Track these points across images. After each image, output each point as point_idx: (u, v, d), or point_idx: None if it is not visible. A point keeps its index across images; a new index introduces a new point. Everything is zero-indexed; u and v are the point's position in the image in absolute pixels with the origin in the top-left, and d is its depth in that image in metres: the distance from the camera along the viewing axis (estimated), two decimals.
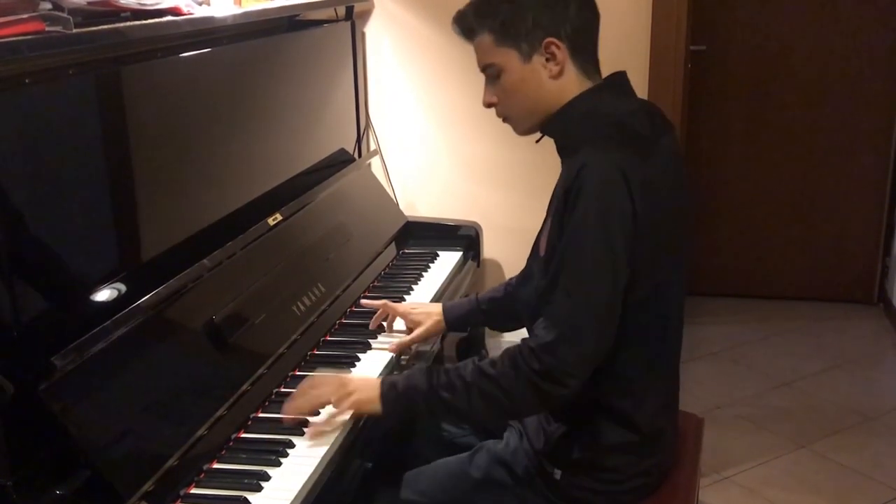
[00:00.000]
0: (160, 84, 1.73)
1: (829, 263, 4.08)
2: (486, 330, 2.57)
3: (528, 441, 1.68)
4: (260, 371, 1.72)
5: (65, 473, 1.30)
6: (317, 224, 2.23)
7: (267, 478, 1.46)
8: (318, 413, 1.61)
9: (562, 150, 1.62)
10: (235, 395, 1.62)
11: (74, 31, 1.41)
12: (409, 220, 2.72)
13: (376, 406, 1.57)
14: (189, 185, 1.82)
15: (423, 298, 2.27)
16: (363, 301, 2.03)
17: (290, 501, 1.41)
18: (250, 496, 1.41)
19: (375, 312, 2.03)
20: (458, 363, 1.58)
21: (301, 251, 2.10)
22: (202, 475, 1.47)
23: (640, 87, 1.68)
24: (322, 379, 1.67)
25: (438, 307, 1.98)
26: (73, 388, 1.34)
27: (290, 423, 1.59)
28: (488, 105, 1.64)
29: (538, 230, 1.71)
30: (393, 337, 2.00)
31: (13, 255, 1.31)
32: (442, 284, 2.38)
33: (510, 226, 2.91)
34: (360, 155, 2.77)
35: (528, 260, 1.74)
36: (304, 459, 1.51)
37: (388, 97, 2.96)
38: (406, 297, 2.27)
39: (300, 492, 1.43)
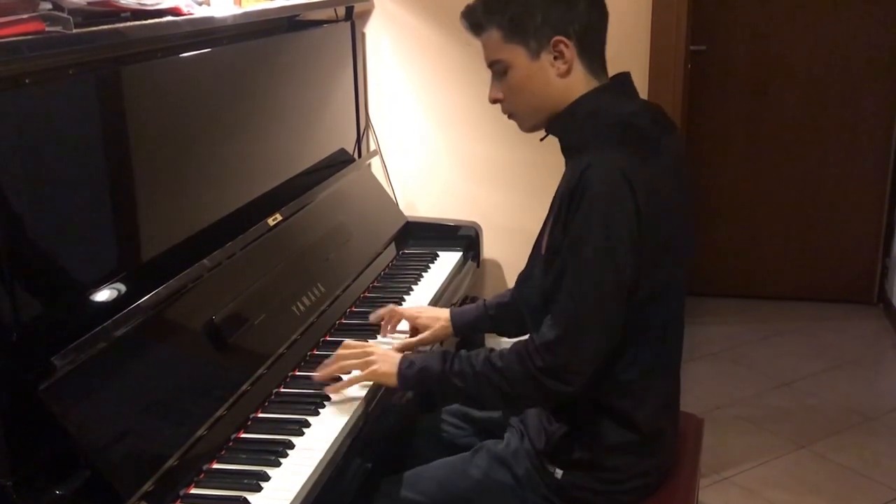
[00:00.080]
0: (160, 84, 1.73)
1: (829, 264, 4.08)
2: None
3: (530, 441, 1.68)
4: (260, 371, 1.72)
5: (65, 473, 1.30)
6: (317, 224, 2.23)
7: (267, 478, 1.46)
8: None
9: (566, 150, 1.62)
10: (235, 396, 1.62)
11: (74, 31, 1.41)
12: (409, 220, 2.72)
13: (393, 380, 1.68)
14: (189, 185, 1.82)
15: (423, 299, 2.27)
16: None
17: (289, 502, 1.41)
18: (250, 496, 1.41)
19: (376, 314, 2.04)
20: (471, 351, 1.63)
21: (301, 251, 2.10)
22: (202, 475, 1.47)
23: (641, 87, 1.68)
24: (349, 344, 1.79)
25: (446, 312, 1.98)
26: (73, 388, 1.34)
27: (319, 379, 1.75)
28: (494, 101, 1.64)
29: (538, 230, 1.71)
30: (395, 338, 2.00)
31: (13, 255, 1.31)
32: (442, 285, 2.38)
33: (510, 226, 2.91)
34: (359, 155, 2.77)
35: (530, 259, 1.74)
36: (303, 459, 1.51)
37: (387, 97, 2.95)
38: (406, 297, 2.27)
39: (300, 492, 1.43)
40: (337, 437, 1.59)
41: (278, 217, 2.05)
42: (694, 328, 3.66)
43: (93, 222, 1.54)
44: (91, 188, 1.54)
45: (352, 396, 1.72)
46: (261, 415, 1.67)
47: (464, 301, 2.51)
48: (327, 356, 1.90)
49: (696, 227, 1.66)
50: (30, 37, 1.32)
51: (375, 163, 2.91)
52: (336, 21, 2.69)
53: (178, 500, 1.40)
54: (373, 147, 2.93)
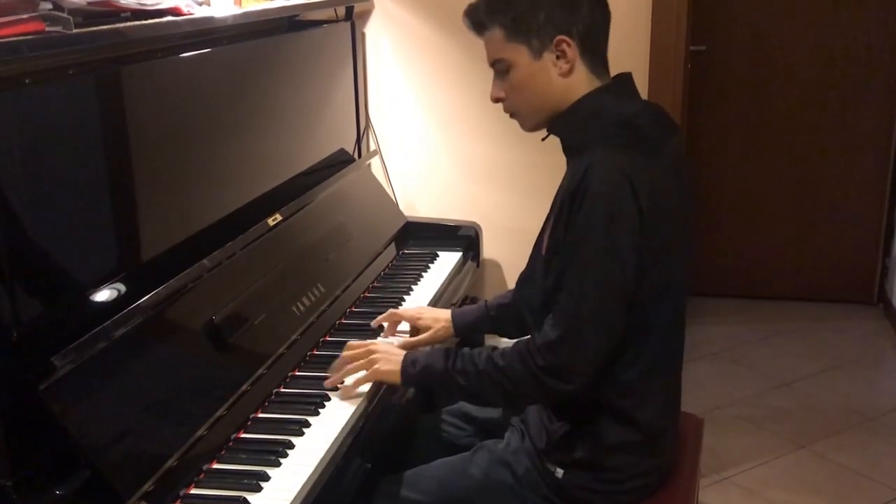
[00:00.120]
0: (160, 84, 1.73)
1: (829, 264, 4.08)
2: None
3: (530, 440, 1.68)
4: (260, 371, 1.72)
5: (65, 473, 1.30)
6: (316, 224, 2.23)
7: (266, 478, 1.46)
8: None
9: (568, 150, 1.62)
10: (235, 396, 1.62)
11: (74, 31, 1.41)
12: (409, 220, 2.72)
13: (396, 377, 1.69)
14: (189, 185, 1.82)
15: (423, 299, 2.26)
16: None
17: (289, 502, 1.41)
18: (250, 496, 1.41)
19: (376, 315, 2.03)
20: (472, 350, 1.63)
21: (301, 251, 2.10)
22: (202, 475, 1.47)
23: (641, 88, 1.68)
24: (353, 345, 1.79)
25: (447, 313, 1.98)
26: (73, 388, 1.34)
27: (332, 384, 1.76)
28: (496, 100, 1.64)
29: (538, 230, 1.71)
30: (396, 338, 1.99)
31: (13, 255, 1.31)
32: (441, 285, 2.38)
33: (510, 226, 2.91)
34: (359, 155, 2.77)
35: (530, 260, 1.74)
36: (303, 459, 1.52)
37: (387, 97, 2.95)
38: (406, 297, 2.27)
39: (300, 492, 1.43)
40: (337, 437, 1.59)
41: (278, 217, 2.05)
42: (694, 328, 3.66)
43: (93, 222, 1.54)
44: (91, 188, 1.54)
45: (352, 396, 1.72)
46: (261, 415, 1.67)
47: (464, 301, 2.51)
48: (327, 356, 1.91)
49: (696, 227, 1.67)
50: (30, 37, 1.32)
51: (375, 163, 2.91)
52: (336, 21, 2.69)
53: (178, 500, 1.40)
54: (373, 147, 2.93)
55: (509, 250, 2.94)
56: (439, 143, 2.96)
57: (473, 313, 1.97)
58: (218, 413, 1.56)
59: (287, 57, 2.27)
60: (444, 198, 2.99)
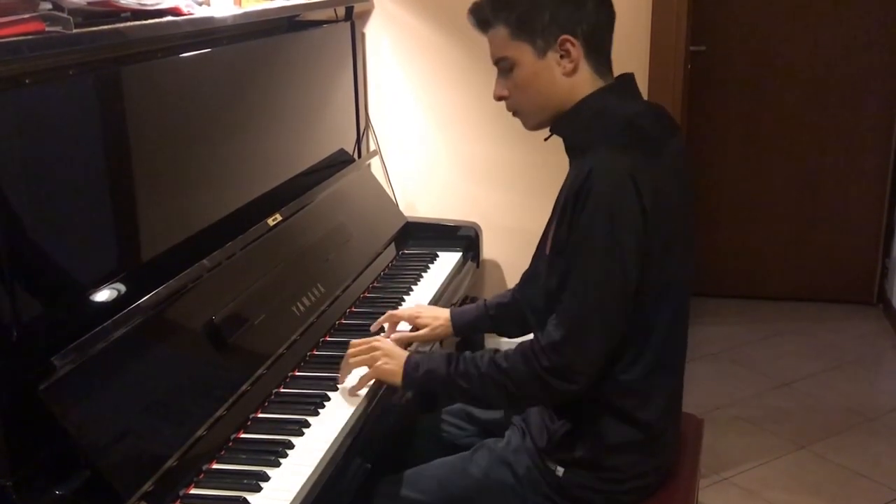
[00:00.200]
0: (160, 84, 1.73)
1: (829, 264, 4.08)
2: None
3: (531, 439, 1.68)
4: (259, 371, 1.72)
5: (65, 473, 1.30)
6: (316, 224, 2.23)
7: (266, 478, 1.46)
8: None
9: (570, 150, 1.62)
10: (235, 396, 1.62)
11: (74, 31, 1.41)
12: (409, 220, 2.72)
13: (397, 378, 1.68)
14: (189, 185, 1.82)
15: (423, 299, 2.26)
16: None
17: (289, 502, 1.41)
18: (250, 496, 1.41)
19: (377, 315, 2.03)
20: (474, 353, 1.63)
21: (301, 252, 2.10)
22: (202, 475, 1.47)
23: (641, 88, 1.68)
24: (355, 343, 1.78)
25: (446, 312, 1.98)
26: (73, 388, 1.34)
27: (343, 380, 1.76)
28: (499, 98, 1.64)
29: (538, 230, 1.71)
30: (397, 333, 1.99)
31: (13, 255, 1.31)
32: (441, 285, 2.38)
33: (510, 226, 2.91)
34: (359, 155, 2.77)
35: (534, 260, 1.74)
36: (303, 459, 1.52)
37: (387, 97, 2.95)
38: (405, 297, 2.27)
39: (299, 492, 1.43)
40: (337, 437, 1.59)
41: (278, 217, 2.05)
42: (694, 328, 3.63)
43: (93, 222, 1.54)
44: (91, 188, 1.54)
45: (352, 396, 1.72)
46: (261, 415, 1.67)
47: (463, 301, 2.51)
48: (327, 356, 1.91)
49: (696, 228, 1.67)
50: (30, 37, 1.32)
51: (375, 163, 2.91)
52: (336, 21, 2.69)
53: (178, 501, 1.40)
54: (373, 147, 2.93)
55: (509, 250, 2.94)
56: (439, 143, 2.96)
57: (472, 312, 1.97)
58: (218, 413, 1.56)
59: (287, 57, 2.27)
60: (444, 198, 2.99)
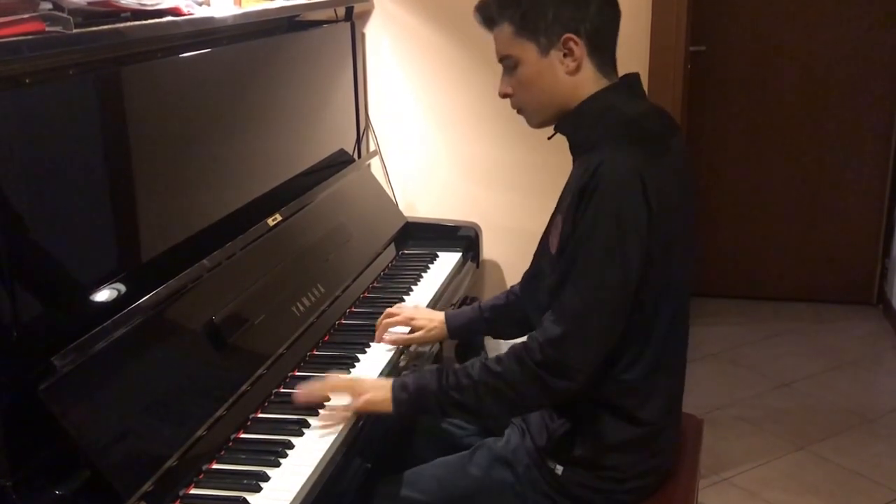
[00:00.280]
0: (160, 84, 1.73)
1: (829, 264, 4.08)
2: None
3: (531, 438, 1.68)
4: (259, 371, 1.72)
5: (64, 473, 1.30)
6: (316, 225, 2.23)
7: (266, 478, 1.46)
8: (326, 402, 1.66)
9: (575, 149, 1.62)
10: (235, 396, 1.62)
11: (74, 31, 1.41)
12: (409, 220, 2.72)
13: (387, 406, 1.61)
14: (189, 185, 1.82)
15: (423, 299, 2.26)
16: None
17: (289, 502, 1.41)
18: (249, 497, 1.41)
19: (376, 315, 2.03)
20: (465, 363, 1.60)
21: (301, 252, 2.10)
22: (201, 476, 1.47)
23: None
24: (335, 379, 1.70)
25: (441, 314, 1.98)
26: (73, 388, 1.34)
27: (300, 401, 1.65)
28: (503, 95, 1.65)
29: (538, 230, 1.71)
30: (392, 335, 1.99)
31: (13, 255, 1.31)
32: (441, 285, 2.38)
33: (510, 226, 2.91)
34: (359, 155, 2.77)
35: (536, 259, 1.74)
36: (303, 460, 1.51)
37: (387, 98, 2.95)
38: (405, 297, 2.27)
39: (299, 492, 1.43)
40: (337, 437, 1.59)
41: (278, 217, 2.05)
42: (694, 329, 3.63)
43: (93, 222, 1.54)
44: (91, 188, 1.54)
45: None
46: (260, 415, 1.67)
47: (463, 302, 2.51)
48: (327, 356, 1.91)
49: (696, 228, 1.67)
50: (30, 37, 1.32)
51: (375, 163, 2.91)
52: (336, 21, 2.69)
53: (178, 501, 1.40)
54: (373, 147, 2.93)
55: (509, 250, 2.93)
56: (439, 143, 2.96)
57: (467, 315, 1.97)
58: (218, 413, 1.56)
59: (287, 57, 2.27)
60: (444, 198, 2.99)
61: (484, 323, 1.94)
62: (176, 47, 1.81)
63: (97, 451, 1.32)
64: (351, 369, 1.86)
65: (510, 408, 1.63)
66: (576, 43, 1.55)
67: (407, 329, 1.99)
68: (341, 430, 1.61)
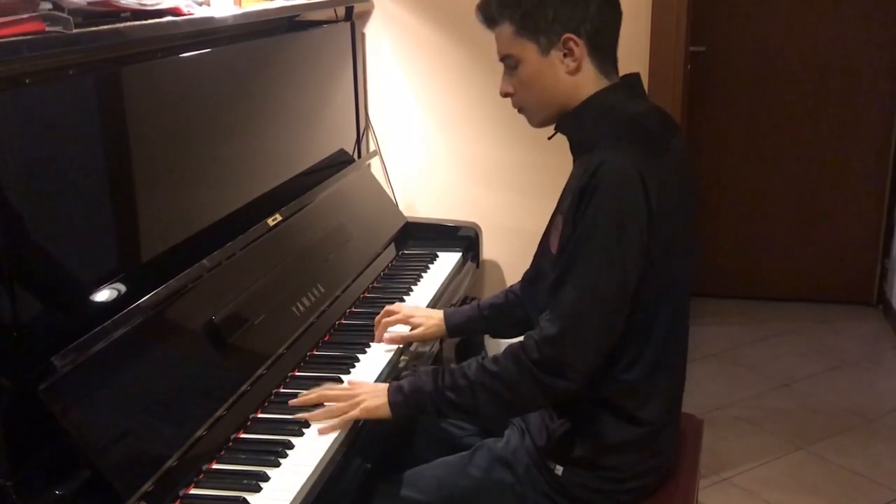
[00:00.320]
0: (160, 84, 1.73)
1: (829, 265, 4.08)
2: None
3: (531, 438, 1.68)
4: (259, 371, 1.72)
5: (65, 473, 1.30)
6: (316, 225, 2.23)
7: (266, 478, 1.46)
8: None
9: (575, 148, 1.62)
10: (235, 396, 1.62)
11: (74, 31, 1.41)
12: (409, 220, 2.72)
13: (385, 411, 1.61)
14: (189, 185, 1.82)
15: (423, 299, 2.26)
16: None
17: (289, 502, 1.41)
18: (249, 497, 1.41)
19: (376, 315, 2.03)
20: (461, 363, 1.60)
21: (301, 252, 2.10)
22: (201, 476, 1.47)
23: None
24: (331, 387, 1.69)
25: (440, 313, 1.98)
26: (73, 388, 1.33)
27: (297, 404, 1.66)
28: (504, 95, 1.65)
29: (538, 230, 1.71)
30: (391, 333, 1.99)
31: (13, 255, 1.31)
32: (441, 285, 2.38)
33: (510, 227, 2.91)
34: (359, 155, 2.77)
35: (537, 260, 1.74)
36: (303, 460, 1.51)
37: (387, 98, 2.95)
38: (405, 297, 2.27)
39: (299, 492, 1.43)
40: (336, 438, 1.59)
41: (278, 217, 2.05)
42: (694, 329, 3.63)
43: (93, 222, 1.54)
44: (91, 188, 1.54)
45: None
46: (260, 415, 1.66)
47: (463, 302, 2.51)
48: (327, 356, 1.91)
49: (696, 228, 1.67)
50: (30, 37, 1.32)
51: (375, 163, 2.91)
52: (336, 21, 2.69)
53: (178, 501, 1.40)
54: (372, 147, 2.93)
55: (509, 251, 2.93)
56: (439, 143, 2.96)
57: (465, 313, 1.97)
58: (218, 413, 1.56)
59: (287, 57, 2.27)
60: (444, 198, 2.99)
61: (483, 321, 1.95)
62: (176, 47, 1.81)
63: (97, 451, 1.32)
64: (351, 369, 1.86)
65: (507, 408, 1.62)
66: (576, 43, 1.55)
67: (406, 328, 1.99)
68: (341, 430, 1.61)
